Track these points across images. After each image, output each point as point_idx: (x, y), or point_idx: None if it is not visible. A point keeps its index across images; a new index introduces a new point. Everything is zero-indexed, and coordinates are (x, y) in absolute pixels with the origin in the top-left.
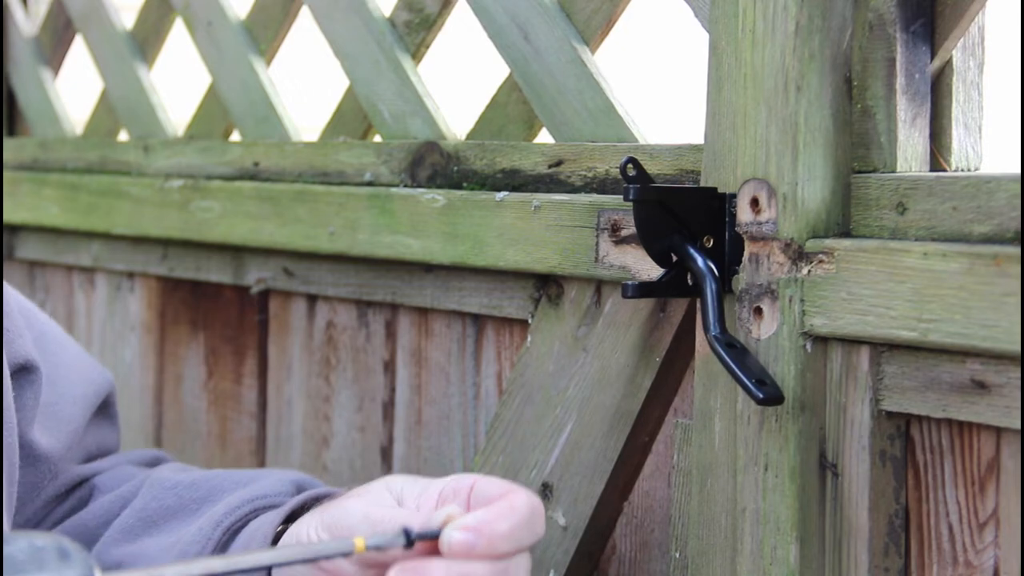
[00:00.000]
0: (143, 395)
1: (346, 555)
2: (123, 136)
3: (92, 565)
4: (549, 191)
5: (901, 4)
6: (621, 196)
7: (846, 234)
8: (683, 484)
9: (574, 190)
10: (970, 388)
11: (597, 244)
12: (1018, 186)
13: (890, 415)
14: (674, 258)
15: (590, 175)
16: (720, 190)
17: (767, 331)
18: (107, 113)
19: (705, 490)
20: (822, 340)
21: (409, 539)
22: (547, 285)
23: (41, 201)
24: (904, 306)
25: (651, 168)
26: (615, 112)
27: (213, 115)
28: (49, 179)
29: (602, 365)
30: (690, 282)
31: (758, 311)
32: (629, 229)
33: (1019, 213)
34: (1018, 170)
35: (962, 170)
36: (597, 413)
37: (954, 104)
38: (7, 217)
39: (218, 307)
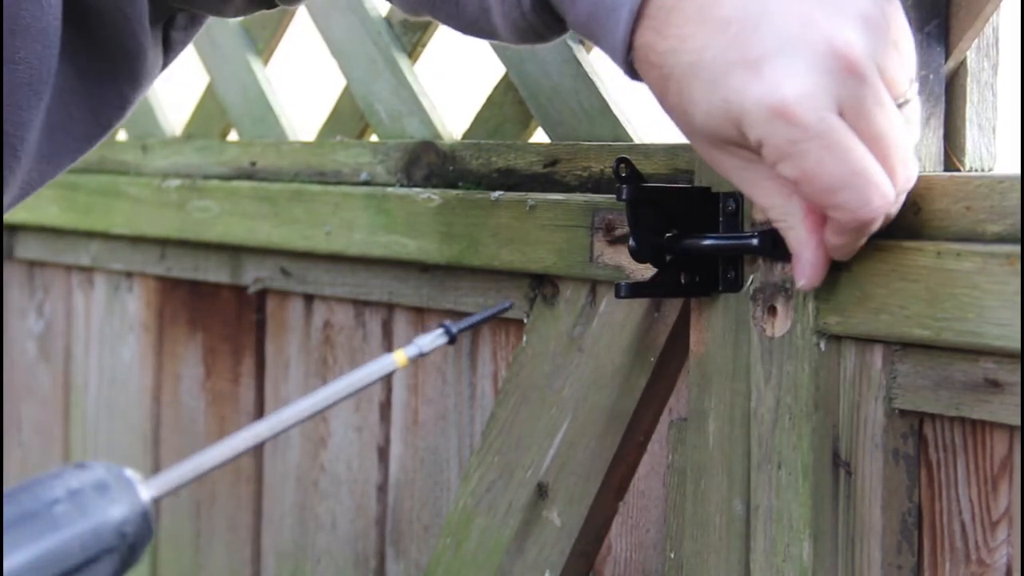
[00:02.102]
0: (141, 395)
1: (390, 374)
2: (121, 136)
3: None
4: (544, 191)
5: (916, 5)
6: (615, 196)
7: None
8: (678, 484)
9: (569, 190)
10: (983, 387)
11: (592, 244)
12: None
13: (903, 413)
14: (668, 258)
15: (585, 175)
16: (714, 189)
17: (781, 329)
18: None
19: (700, 490)
20: (836, 339)
21: (451, 335)
22: (542, 285)
23: (40, 201)
24: (918, 305)
25: (646, 167)
26: (610, 111)
27: (211, 115)
28: None
29: (597, 365)
30: (683, 281)
31: (772, 310)
32: (624, 229)
33: None
34: None
35: (976, 170)
36: (592, 413)
37: (968, 105)
38: (6, 217)
39: (216, 307)
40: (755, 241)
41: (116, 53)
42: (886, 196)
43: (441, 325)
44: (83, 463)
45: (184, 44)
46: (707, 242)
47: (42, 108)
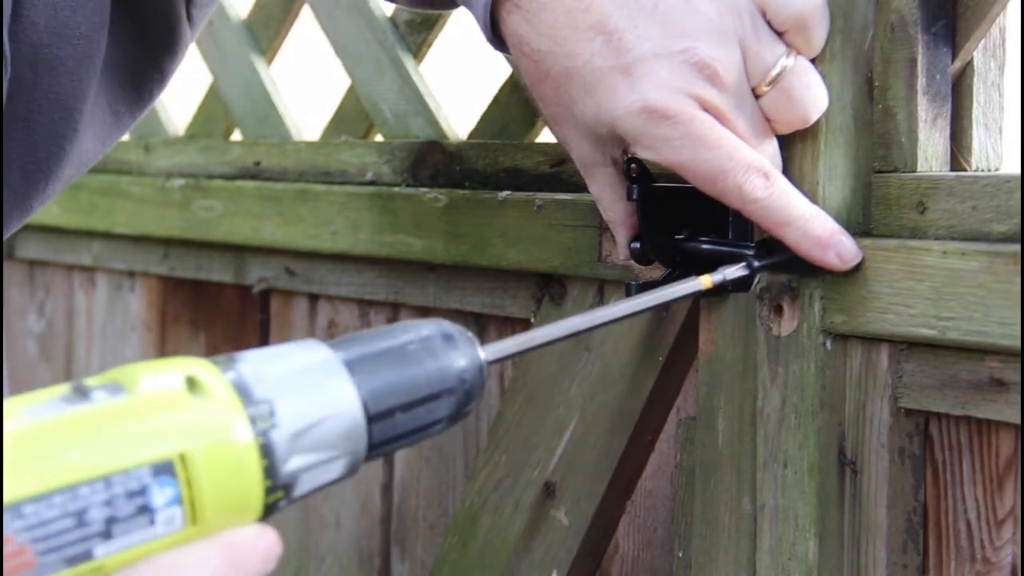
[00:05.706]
0: None
1: (696, 294)
2: (123, 135)
3: (476, 346)
4: (552, 190)
5: (923, 5)
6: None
7: (867, 233)
8: (686, 483)
9: (577, 189)
10: (989, 386)
11: (600, 243)
12: None
13: (909, 412)
14: (677, 258)
15: None
16: None
17: (787, 329)
18: None
19: (708, 489)
20: (842, 338)
21: (752, 268)
22: (550, 284)
23: None
24: (923, 304)
25: (655, 167)
26: None
27: (214, 114)
28: None
29: (605, 364)
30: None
31: (779, 309)
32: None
33: None
34: None
35: (982, 170)
36: (600, 412)
37: (975, 105)
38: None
39: (219, 306)
40: (751, 252)
41: (158, 26)
42: (765, 173)
43: (743, 258)
44: (435, 319)
45: (202, 21)
46: (705, 247)
47: (95, 80)
